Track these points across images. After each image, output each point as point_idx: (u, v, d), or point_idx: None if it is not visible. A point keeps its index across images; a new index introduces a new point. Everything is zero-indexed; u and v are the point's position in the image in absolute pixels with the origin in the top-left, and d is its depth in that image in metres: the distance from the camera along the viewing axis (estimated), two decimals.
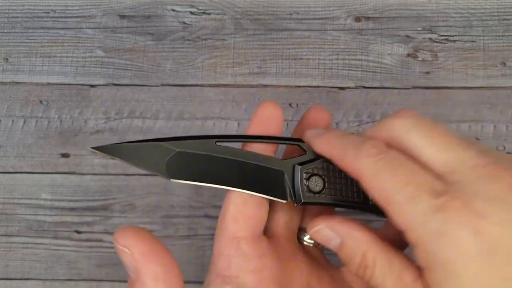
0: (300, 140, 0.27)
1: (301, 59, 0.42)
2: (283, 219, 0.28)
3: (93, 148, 0.24)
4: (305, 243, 0.29)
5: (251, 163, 0.25)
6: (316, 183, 0.26)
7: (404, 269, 0.22)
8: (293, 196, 0.26)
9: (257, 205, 0.26)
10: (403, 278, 0.22)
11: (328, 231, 0.25)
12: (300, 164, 0.26)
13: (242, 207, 0.25)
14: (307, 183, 0.26)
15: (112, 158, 0.24)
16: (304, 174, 0.26)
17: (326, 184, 0.26)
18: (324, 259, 0.30)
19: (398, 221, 0.22)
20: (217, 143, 0.25)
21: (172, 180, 0.24)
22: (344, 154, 0.24)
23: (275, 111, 0.27)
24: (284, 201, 0.26)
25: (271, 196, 0.25)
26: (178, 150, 0.24)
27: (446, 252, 0.20)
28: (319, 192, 0.26)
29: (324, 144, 0.25)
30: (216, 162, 0.25)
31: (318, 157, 0.26)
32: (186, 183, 0.24)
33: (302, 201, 0.25)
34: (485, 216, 0.20)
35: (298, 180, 0.26)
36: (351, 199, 0.26)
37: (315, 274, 0.27)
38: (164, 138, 0.25)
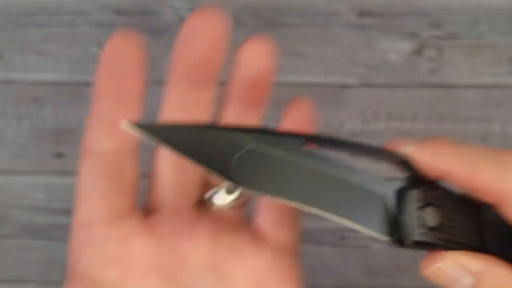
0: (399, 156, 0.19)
1: (303, 56, 0.41)
2: (171, 186, 0.21)
3: (133, 123, 0.17)
4: (214, 207, 0.20)
5: (344, 179, 0.18)
6: (432, 216, 0.19)
7: None
8: (395, 231, 0.18)
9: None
10: None
11: (457, 268, 0.19)
12: (411, 187, 0.19)
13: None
14: (421, 214, 0.18)
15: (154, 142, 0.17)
16: (417, 203, 0.19)
17: (443, 219, 0.19)
18: (239, 218, 0.22)
19: None
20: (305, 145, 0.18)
21: (239, 186, 0.18)
22: (478, 169, 0.18)
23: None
24: (383, 238, 0.18)
25: (365, 227, 0.18)
26: (253, 147, 0.18)
27: None
28: (434, 229, 0.19)
29: (443, 156, 0.19)
30: (299, 172, 0.18)
31: (427, 179, 0.19)
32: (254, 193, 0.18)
33: (413, 240, 0.18)
34: None
35: (408, 210, 0.18)
36: (467, 241, 0.19)
37: (223, 243, 0.21)
38: (233, 127, 0.19)
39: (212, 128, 0.19)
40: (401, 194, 0.19)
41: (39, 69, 0.42)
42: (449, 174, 0.19)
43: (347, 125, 0.40)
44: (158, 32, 0.42)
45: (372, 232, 0.18)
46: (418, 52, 0.41)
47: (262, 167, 0.18)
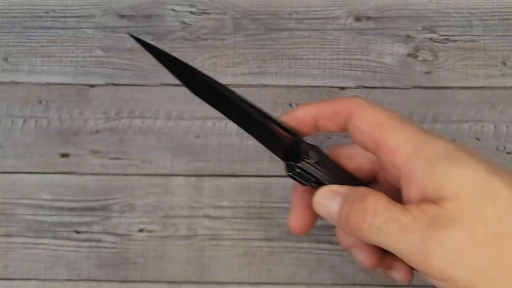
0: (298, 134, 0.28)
1: (301, 58, 0.42)
2: None
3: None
4: None
5: (261, 121, 0.26)
6: (314, 156, 0.26)
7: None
8: (290, 161, 0.26)
9: None
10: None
11: (329, 194, 0.25)
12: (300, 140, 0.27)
13: None
14: (307, 153, 0.27)
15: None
16: (304, 147, 0.27)
17: (321, 158, 0.27)
18: None
19: None
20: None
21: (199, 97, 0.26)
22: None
23: None
24: (283, 163, 0.27)
25: (271, 151, 0.27)
26: (197, 75, 0.26)
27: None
28: (317, 163, 0.26)
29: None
30: (230, 102, 0.26)
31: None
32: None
33: (301, 165, 0.26)
34: None
35: (300, 150, 0.27)
36: (336, 178, 0.27)
37: None
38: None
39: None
40: (294, 143, 0.27)
41: (43, 71, 0.42)
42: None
43: None
44: (160, 35, 0.42)
45: (275, 155, 0.27)
46: (413, 54, 0.41)
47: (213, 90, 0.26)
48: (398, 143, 0.23)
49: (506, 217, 0.21)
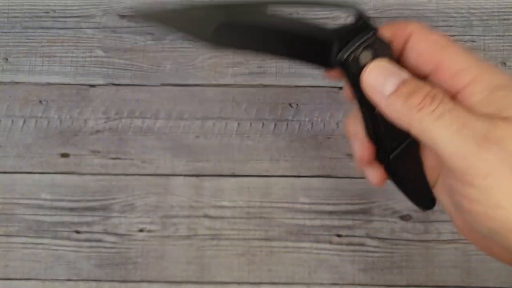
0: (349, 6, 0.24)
1: None
2: None
3: (132, 12, 0.23)
4: None
5: (299, 33, 0.23)
6: (366, 58, 0.23)
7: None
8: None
9: None
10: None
11: (389, 66, 0.23)
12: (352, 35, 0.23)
13: None
14: (357, 55, 0.23)
15: (151, 25, 0.23)
16: (358, 45, 0.23)
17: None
18: None
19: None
20: (270, 8, 0.23)
21: (218, 48, 0.23)
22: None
23: None
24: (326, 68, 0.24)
25: (316, 63, 0.24)
26: (223, 21, 0.23)
27: None
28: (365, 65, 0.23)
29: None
30: (265, 33, 0.23)
31: (372, 27, 0.23)
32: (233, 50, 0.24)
33: (344, 57, 0.23)
34: None
35: (350, 47, 0.23)
36: None
37: None
38: (210, 4, 0.23)
39: (194, 8, 0.23)
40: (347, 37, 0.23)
41: (44, 71, 0.42)
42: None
43: (343, 126, 0.41)
44: (160, 35, 0.42)
45: (320, 67, 0.23)
46: None
47: (238, 32, 0.23)
48: (459, 66, 0.22)
49: None
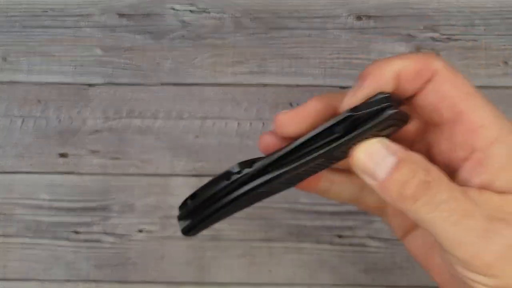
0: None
1: (301, 58, 0.41)
2: None
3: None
4: None
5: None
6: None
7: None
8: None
9: None
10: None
11: (381, 147, 0.21)
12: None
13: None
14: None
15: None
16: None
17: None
18: None
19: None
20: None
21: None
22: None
23: None
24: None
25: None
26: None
27: None
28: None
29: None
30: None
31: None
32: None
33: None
34: None
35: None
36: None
37: None
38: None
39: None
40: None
41: (43, 70, 0.42)
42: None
43: None
44: (160, 34, 0.42)
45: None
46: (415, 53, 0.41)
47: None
48: (483, 122, 0.21)
49: None
